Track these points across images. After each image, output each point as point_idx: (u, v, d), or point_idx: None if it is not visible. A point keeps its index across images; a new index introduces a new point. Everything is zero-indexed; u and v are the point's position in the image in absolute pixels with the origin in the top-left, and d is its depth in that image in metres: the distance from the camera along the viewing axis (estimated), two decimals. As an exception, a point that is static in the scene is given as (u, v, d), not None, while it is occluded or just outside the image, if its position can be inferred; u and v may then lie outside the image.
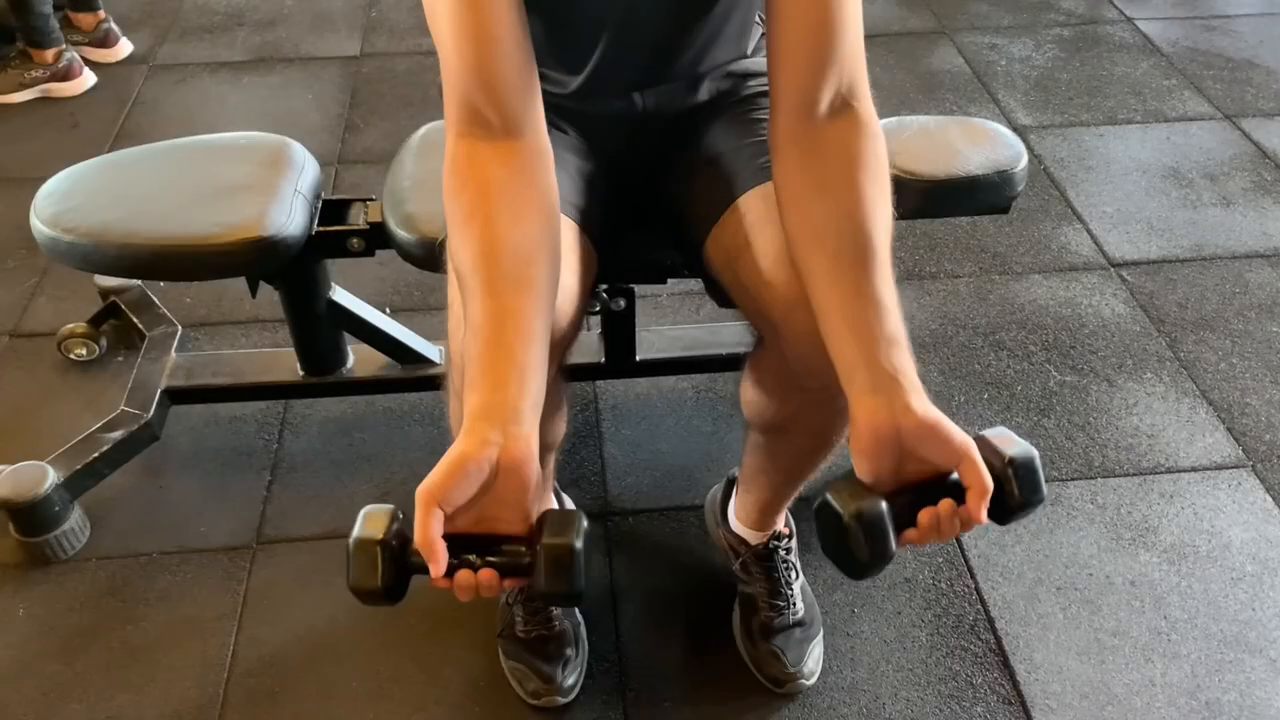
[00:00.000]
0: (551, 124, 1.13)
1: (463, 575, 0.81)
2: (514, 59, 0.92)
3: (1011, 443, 0.86)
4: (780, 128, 0.97)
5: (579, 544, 0.81)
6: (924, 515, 0.84)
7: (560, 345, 0.98)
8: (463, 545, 0.82)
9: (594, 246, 1.10)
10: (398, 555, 0.81)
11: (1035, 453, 0.85)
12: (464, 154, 0.92)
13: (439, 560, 0.79)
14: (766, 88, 1.03)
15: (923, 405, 0.84)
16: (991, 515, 0.86)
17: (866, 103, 0.96)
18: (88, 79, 2.60)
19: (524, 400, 0.84)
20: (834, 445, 1.17)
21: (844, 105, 0.95)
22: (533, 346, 0.86)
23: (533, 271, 0.88)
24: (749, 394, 1.15)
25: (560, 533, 0.82)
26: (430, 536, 0.79)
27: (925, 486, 0.86)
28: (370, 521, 0.82)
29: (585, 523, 0.83)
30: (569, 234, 1.04)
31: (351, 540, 0.82)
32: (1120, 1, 3.00)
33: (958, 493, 0.85)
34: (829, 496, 0.85)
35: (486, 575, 0.82)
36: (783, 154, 0.97)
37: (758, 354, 1.10)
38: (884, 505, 0.83)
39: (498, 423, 0.81)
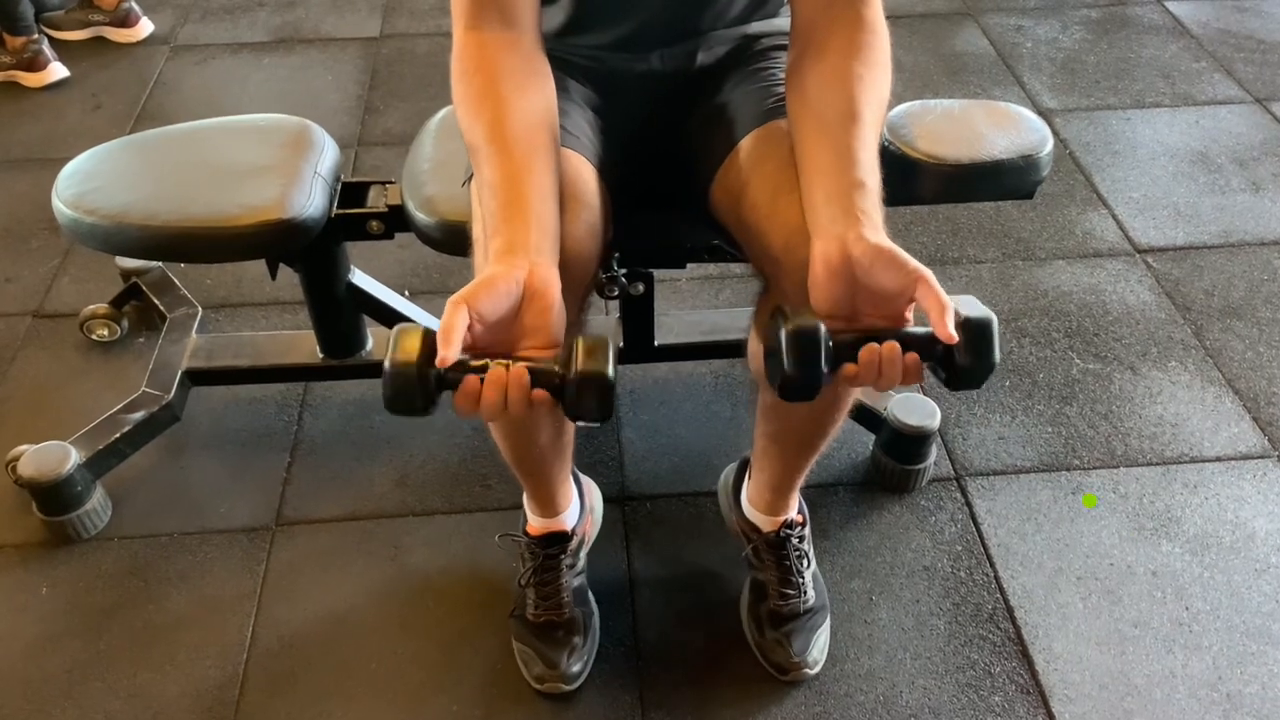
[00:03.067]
0: (573, 77, 1.19)
1: (496, 370, 0.83)
2: None
3: (971, 306, 0.85)
4: (794, 27, 1.07)
5: (611, 372, 0.82)
6: (865, 351, 0.85)
7: (583, 284, 1.00)
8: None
9: (610, 195, 1.12)
10: (432, 358, 0.81)
11: (993, 316, 0.84)
12: (473, 43, 1.00)
13: (452, 345, 0.80)
14: (782, 41, 1.10)
15: (876, 236, 0.87)
16: (947, 381, 0.86)
17: (874, 7, 1.03)
18: (54, 72, 2.55)
19: (545, 240, 0.90)
20: (843, 405, 1.18)
21: (852, 8, 1.02)
22: (548, 200, 0.93)
23: (541, 138, 0.97)
24: (755, 345, 1.15)
25: (594, 357, 0.82)
26: (450, 325, 0.80)
27: (877, 330, 0.87)
28: (407, 329, 0.83)
29: (613, 348, 0.85)
30: (588, 173, 1.08)
31: (395, 330, 0.82)
32: (1150, -18, 2.96)
33: (908, 343, 0.85)
34: (777, 310, 0.87)
35: (518, 372, 0.82)
36: (794, 48, 1.06)
37: (762, 301, 1.11)
38: (821, 327, 0.84)
39: (522, 254, 0.88)
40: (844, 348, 0.85)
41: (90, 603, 1.45)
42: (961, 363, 0.84)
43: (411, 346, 0.81)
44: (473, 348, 0.84)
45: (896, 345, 0.84)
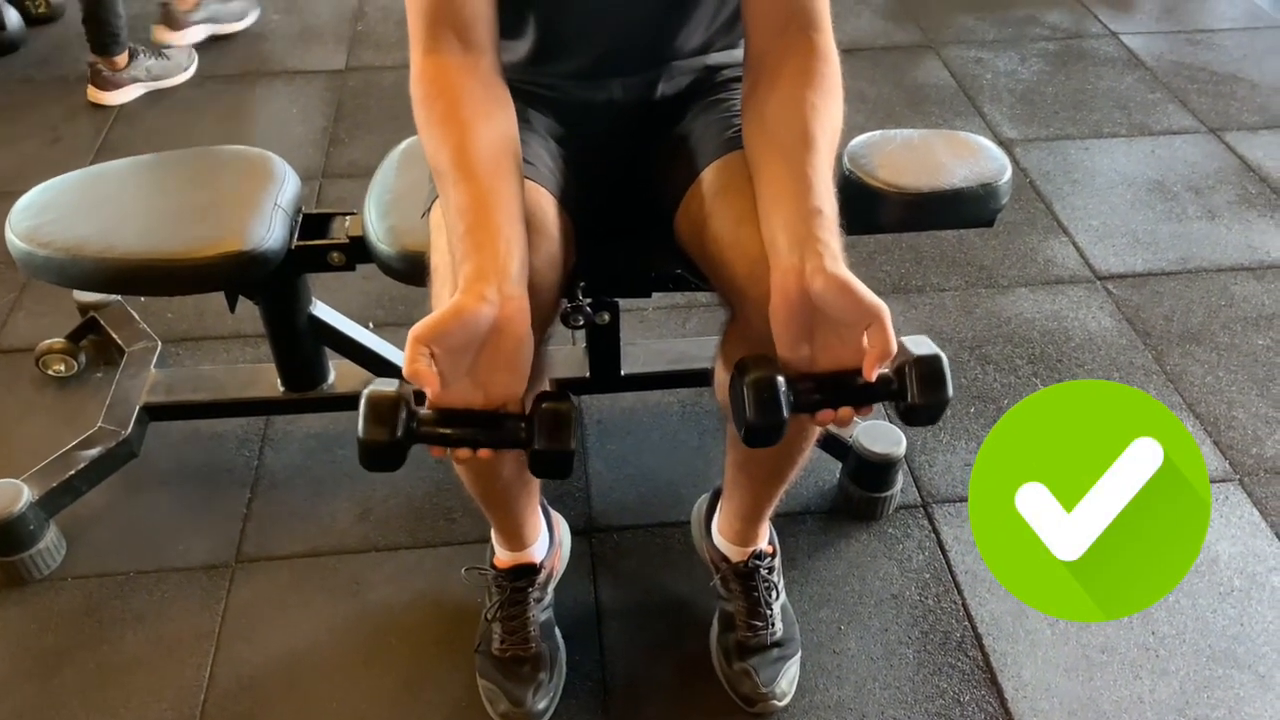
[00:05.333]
0: (535, 108, 1.20)
1: (462, 451, 0.89)
2: None
3: (923, 345, 0.90)
4: (748, 56, 1.09)
5: (572, 408, 0.91)
6: (823, 415, 0.91)
7: (542, 317, 1.00)
8: (459, 421, 0.89)
9: (572, 223, 1.12)
10: (407, 416, 0.87)
11: (942, 355, 0.89)
12: (433, 67, 1.00)
13: (432, 382, 0.85)
14: (741, 72, 1.12)
15: (835, 267, 0.88)
16: (902, 415, 0.92)
17: (825, 35, 1.04)
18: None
19: (514, 263, 0.90)
20: (810, 436, 1.18)
21: (805, 36, 1.03)
22: (515, 222, 0.93)
23: (505, 163, 0.97)
24: (721, 375, 1.15)
25: (555, 398, 0.90)
26: (418, 368, 0.84)
27: (833, 379, 0.91)
28: (380, 387, 0.88)
29: (575, 402, 0.92)
30: (547, 204, 1.08)
31: (364, 394, 0.87)
32: (1105, 16, 3.02)
33: (864, 396, 0.91)
34: (740, 362, 0.90)
35: (484, 452, 0.89)
36: (749, 77, 1.08)
37: (728, 329, 1.11)
38: (780, 381, 0.88)
39: (493, 281, 0.87)
40: (802, 399, 0.90)
41: (42, 644, 1.41)
42: (914, 401, 0.89)
43: (383, 418, 0.86)
44: (439, 379, 0.87)
45: (850, 411, 0.91)
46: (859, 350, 0.89)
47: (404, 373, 0.84)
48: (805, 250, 0.89)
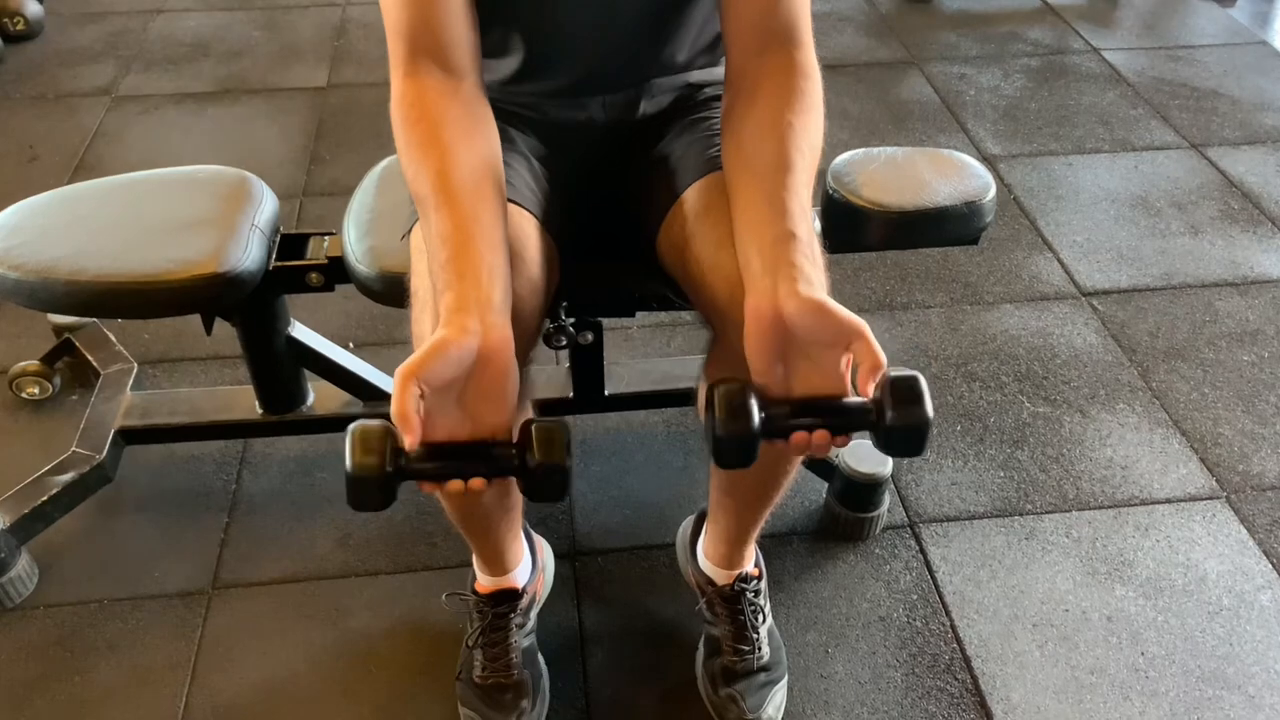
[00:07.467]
0: (516, 127, 1.19)
1: (454, 483, 0.85)
2: (456, 9, 1.00)
3: (900, 370, 0.86)
4: (728, 73, 1.06)
5: (563, 425, 0.86)
6: (796, 436, 0.87)
7: (524, 341, 0.98)
8: (448, 454, 0.86)
9: (555, 244, 1.11)
10: (394, 452, 0.83)
11: (919, 374, 0.85)
12: (413, 90, 0.99)
13: (414, 429, 0.81)
14: (723, 90, 1.10)
15: (808, 290, 0.86)
16: (877, 443, 0.86)
17: (806, 51, 1.02)
18: None
19: (496, 292, 0.87)
20: (794, 458, 1.16)
21: (785, 52, 1.01)
22: (498, 250, 0.91)
23: (486, 187, 0.95)
24: (705, 395, 1.14)
25: (545, 420, 0.86)
26: (406, 409, 0.80)
27: (810, 402, 0.87)
28: (367, 422, 0.84)
29: (568, 436, 0.87)
30: (529, 227, 1.06)
31: (350, 430, 0.83)
32: (1086, 32, 3.03)
33: (839, 423, 0.87)
34: (714, 383, 0.87)
35: (476, 483, 0.86)
36: (729, 94, 1.05)
37: (711, 352, 1.10)
38: (753, 397, 0.85)
39: (475, 313, 0.85)
40: (776, 421, 0.86)
41: (12, 676, 1.38)
42: (890, 422, 0.84)
43: (371, 451, 0.83)
44: (425, 418, 0.84)
45: (826, 434, 0.86)
46: (836, 378, 0.87)
47: (391, 412, 0.81)
48: (778, 275, 0.87)
